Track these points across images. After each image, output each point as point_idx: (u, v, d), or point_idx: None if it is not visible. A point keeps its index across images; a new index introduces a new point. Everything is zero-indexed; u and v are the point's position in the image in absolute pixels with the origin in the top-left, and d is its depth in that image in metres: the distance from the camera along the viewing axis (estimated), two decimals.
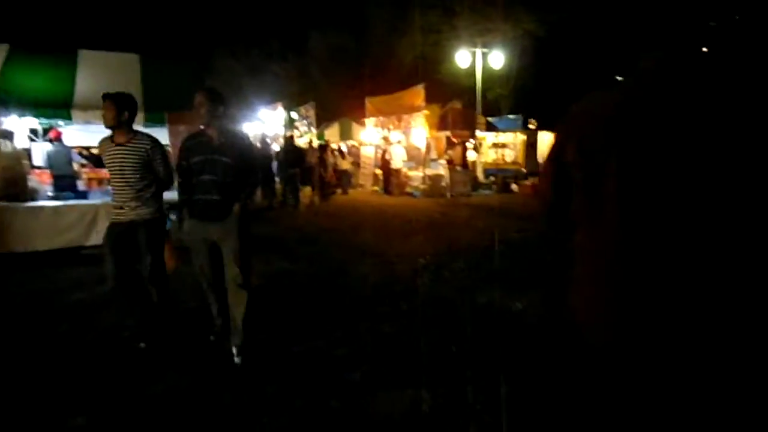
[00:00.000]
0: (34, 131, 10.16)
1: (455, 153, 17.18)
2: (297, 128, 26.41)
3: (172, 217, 4.42)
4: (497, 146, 19.01)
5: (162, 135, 8.53)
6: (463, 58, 22.48)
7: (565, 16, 23.34)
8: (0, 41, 8.92)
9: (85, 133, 9.98)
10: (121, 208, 4.10)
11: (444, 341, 4.14)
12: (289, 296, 5.82)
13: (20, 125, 9.23)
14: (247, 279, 3.85)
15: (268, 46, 42.25)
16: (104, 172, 6.54)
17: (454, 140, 17.61)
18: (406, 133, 17.72)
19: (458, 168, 16.94)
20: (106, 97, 4.11)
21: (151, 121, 9.07)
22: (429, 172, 16.73)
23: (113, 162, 4.10)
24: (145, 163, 4.10)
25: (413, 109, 16.64)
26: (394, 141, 17.79)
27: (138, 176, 4.08)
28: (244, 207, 3.81)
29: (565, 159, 1.50)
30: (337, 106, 30.15)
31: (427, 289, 5.80)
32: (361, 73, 29.78)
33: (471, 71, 24.94)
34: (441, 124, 16.43)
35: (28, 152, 9.22)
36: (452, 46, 26.39)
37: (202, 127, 3.89)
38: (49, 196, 7.61)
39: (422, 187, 16.37)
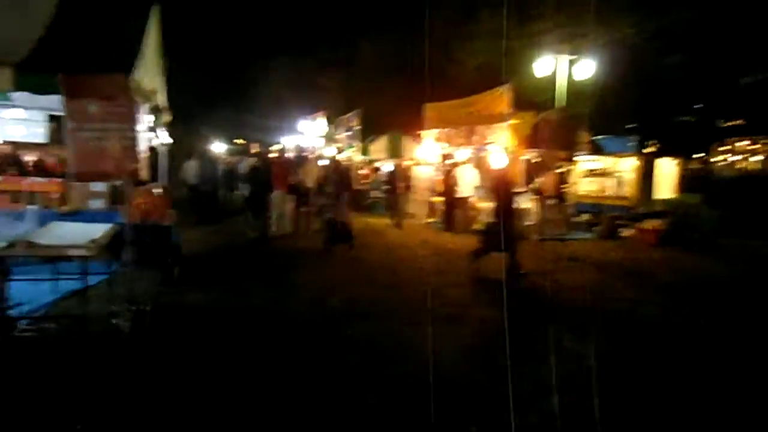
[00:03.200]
0: None
1: (548, 180, 12.15)
2: (337, 142, 21.94)
3: None
4: (595, 174, 13.89)
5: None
6: (543, 66, 17.55)
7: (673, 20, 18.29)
8: None
9: None
10: None
11: None
12: None
13: None
14: None
15: (311, 56, 38.50)
16: None
17: (545, 163, 12.61)
18: (479, 150, 12.80)
19: (551, 201, 11.89)
20: None
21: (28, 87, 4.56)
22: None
23: None
24: None
25: (493, 119, 11.75)
26: (461, 160, 12.91)
27: None
28: None
29: None
30: (385, 118, 25.59)
31: None
32: (415, 81, 25.07)
33: (544, 84, 20.11)
34: (533, 139, 11.50)
35: None
36: (526, 53, 21.63)
37: None
38: None
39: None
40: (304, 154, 12.59)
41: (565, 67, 17.63)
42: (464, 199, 12.38)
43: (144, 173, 4.84)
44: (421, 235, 12.00)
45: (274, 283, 6.91)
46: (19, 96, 6.49)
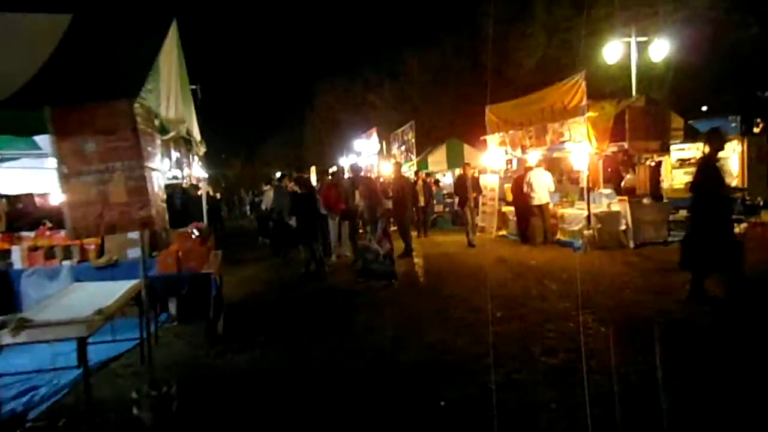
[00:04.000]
0: None
1: (639, 178, 10.49)
2: (394, 156, 20.88)
3: None
4: (691, 164, 12.01)
5: None
6: (612, 52, 15.87)
7: None
8: None
9: None
10: None
11: None
12: None
13: None
14: None
15: (362, 76, 37.96)
16: None
17: (633, 157, 10.95)
18: (552, 150, 11.30)
19: (645, 201, 10.20)
20: None
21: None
22: (597, 209, 10.15)
23: None
24: None
25: (566, 114, 10.27)
26: (533, 163, 11.45)
27: None
28: None
29: None
30: (441, 127, 24.31)
31: None
32: (470, 86, 23.69)
33: (613, 72, 18.36)
34: (616, 131, 9.90)
35: None
36: (589, 42, 19.83)
37: None
38: None
39: (586, 233, 9.79)
40: (359, 173, 11.52)
41: (636, 51, 15.86)
42: (541, 207, 10.88)
43: (161, 219, 3.84)
44: (495, 251, 10.60)
45: (334, 332, 5.79)
46: (45, 139, 5.77)
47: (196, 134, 6.52)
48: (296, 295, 7.76)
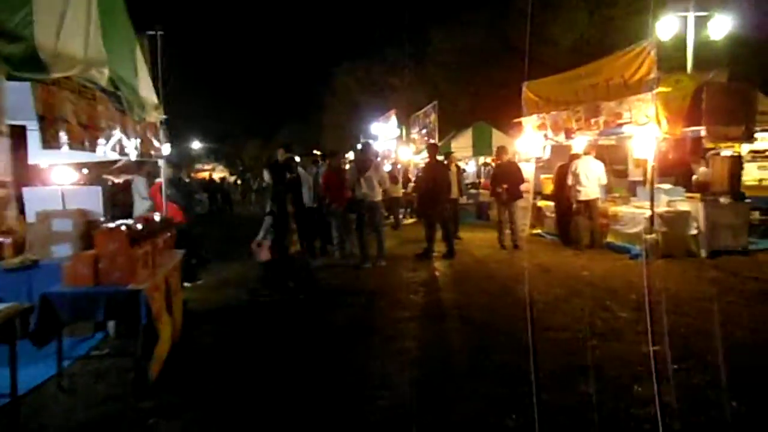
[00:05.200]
0: None
1: (716, 171, 8.48)
2: (413, 141, 18.96)
3: None
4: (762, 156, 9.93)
5: None
6: (666, 28, 13.67)
7: None
8: None
9: None
10: None
11: None
12: None
13: None
14: None
15: (384, 57, 35.89)
16: None
17: (704, 145, 8.89)
18: (603, 134, 9.29)
19: (723, 200, 8.19)
20: None
21: None
22: (663, 208, 8.17)
23: None
24: None
25: (626, 90, 8.25)
26: (579, 149, 9.48)
27: None
28: None
29: None
30: (466, 111, 22.25)
31: None
32: (500, 68, 21.55)
33: (668, 50, 16.10)
34: (691, 113, 7.88)
35: None
36: (635, 20, 17.61)
37: None
38: None
39: (649, 237, 7.81)
40: (368, 157, 9.40)
41: (692, 27, 13.67)
42: (589, 203, 8.92)
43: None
44: (534, 256, 8.69)
45: (324, 384, 4.00)
46: None
47: (146, 93, 4.74)
48: (279, 311, 5.98)
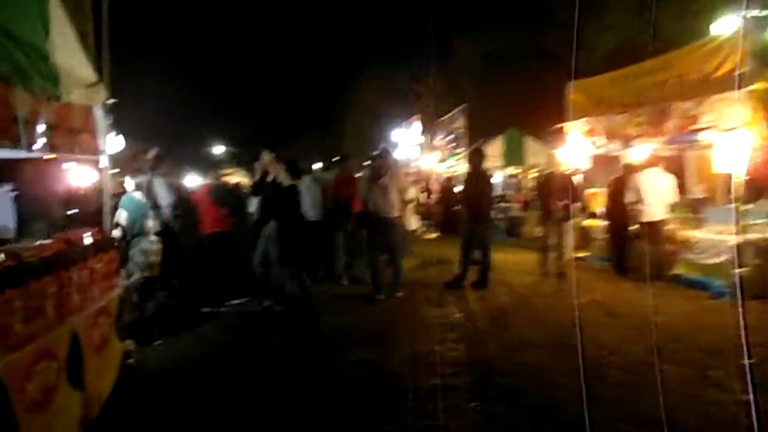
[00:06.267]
0: None
1: None
2: (437, 149, 17.41)
3: None
4: None
5: None
6: (723, 27, 11.90)
7: None
8: None
9: None
10: None
11: None
12: None
13: None
14: None
15: (408, 64, 34.50)
16: None
17: None
18: (673, 142, 7.61)
19: None
20: None
21: None
22: (756, 235, 6.43)
23: None
24: None
25: (707, 88, 6.57)
26: (639, 159, 7.81)
27: None
28: None
29: None
30: (494, 119, 20.61)
31: None
32: (534, 73, 19.91)
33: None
34: None
35: None
36: (681, 24, 15.86)
37: None
38: None
39: (738, 271, 6.07)
40: (383, 164, 7.52)
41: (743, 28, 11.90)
42: (654, 225, 7.22)
43: None
44: (585, 288, 7.00)
45: None
46: None
47: (69, 63, 3.29)
48: (252, 363, 4.45)
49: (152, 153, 6.60)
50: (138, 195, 5.37)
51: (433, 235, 12.83)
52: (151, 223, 5.50)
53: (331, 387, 3.86)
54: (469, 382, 3.90)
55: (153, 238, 5.59)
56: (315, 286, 6.63)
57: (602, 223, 8.84)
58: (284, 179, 5.53)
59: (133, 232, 5.02)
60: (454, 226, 12.62)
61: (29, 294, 2.63)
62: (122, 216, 5.40)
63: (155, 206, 5.63)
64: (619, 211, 7.84)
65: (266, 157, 5.67)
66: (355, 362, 4.33)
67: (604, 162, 9.95)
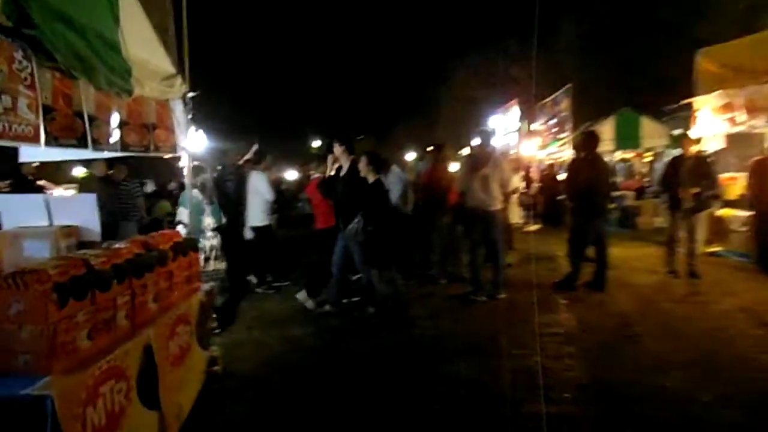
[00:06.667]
0: None
1: None
2: (537, 135, 16.25)
3: None
4: None
5: None
6: None
7: None
8: None
9: None
10: None
11: None
12: None
13: None
14: None
15: (505, 46, 32.93)
16: None
17: None
18: None
19: None
20: None
21: None
22: None
23: None
24: None
25: None
26: None
27: None
28: None
29: None
30: (601, 99, 18.91)
31: None
32: (646, 47, 18.00)
33: None
34: None
35: None
36: None
37: None
38: None
39: None
40: (484, 152, 6.67)
41: None
42: None
43: None
44: (723, 290, 5.91)
45: None
46: None
47: (142, 55, 3.07)
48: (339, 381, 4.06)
49: (253, 148, 6.57)
50: (195, 192, 5.29)
51: (534, 228, 11.87)
52: (208, 220, 5.66)
53: (424, 408, 3.37)
54: (593, 412, 3.23)
55: (209, 234, 5.74)
56: (409, 286, 6.17)
57: (741, 213, 7.55)
58: (368, 174, 5.08)
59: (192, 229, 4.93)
60: (557, 217, 11.61)
61: (95, 306, 2.40)
62: (183, 214, 5.37)
63: (221, 201, 5.87)
64: (764, 199, 6.59)
65: (338, 149, 5.25)
66: (452, 378, 3.80)
67: (741, 141, 8.56)
